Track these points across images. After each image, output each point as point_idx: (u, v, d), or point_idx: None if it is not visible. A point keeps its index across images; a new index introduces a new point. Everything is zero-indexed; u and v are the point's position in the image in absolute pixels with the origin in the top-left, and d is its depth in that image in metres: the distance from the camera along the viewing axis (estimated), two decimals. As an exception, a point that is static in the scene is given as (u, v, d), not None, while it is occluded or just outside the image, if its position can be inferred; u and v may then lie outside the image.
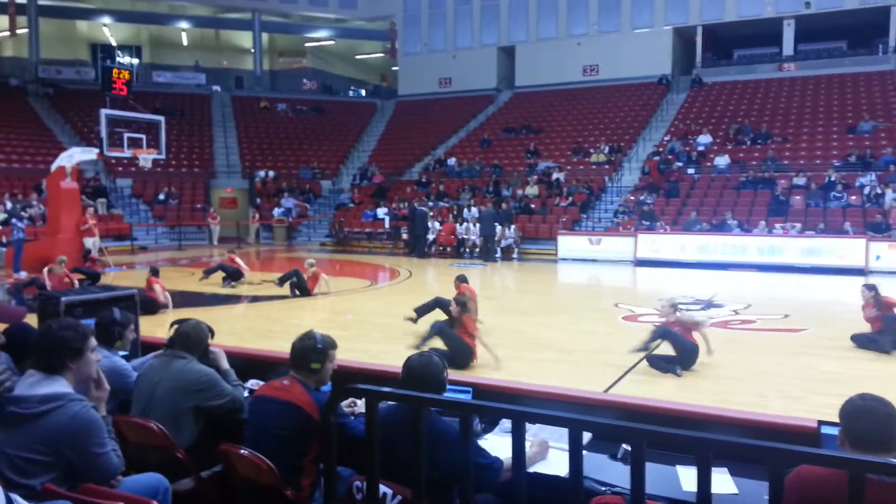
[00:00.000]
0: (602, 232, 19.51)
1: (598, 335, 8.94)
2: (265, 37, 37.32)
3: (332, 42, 39.20)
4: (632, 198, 20.87)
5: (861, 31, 26.56)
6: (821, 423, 2.93)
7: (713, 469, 2.44)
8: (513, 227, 19.90)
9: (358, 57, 40.91)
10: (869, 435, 2.14)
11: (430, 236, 20.56)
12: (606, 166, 23.54)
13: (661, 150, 23.38)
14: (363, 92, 38.83)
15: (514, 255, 19.31)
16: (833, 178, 18.81)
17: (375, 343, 8.20)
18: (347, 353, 7.17)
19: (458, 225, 20.74)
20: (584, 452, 2.78)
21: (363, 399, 2.35)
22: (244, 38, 37.51)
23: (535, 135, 27.32)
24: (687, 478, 2.70)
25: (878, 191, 17.83)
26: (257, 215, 25.36)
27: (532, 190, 22.66)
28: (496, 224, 19.14)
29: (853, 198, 18.13)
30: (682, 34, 29.15)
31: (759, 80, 26.90)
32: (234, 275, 13.40)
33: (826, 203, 18.21)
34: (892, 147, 20.00)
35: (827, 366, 7.33)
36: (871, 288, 8.39)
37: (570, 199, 21.61)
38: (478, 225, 19.76)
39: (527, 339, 8.64)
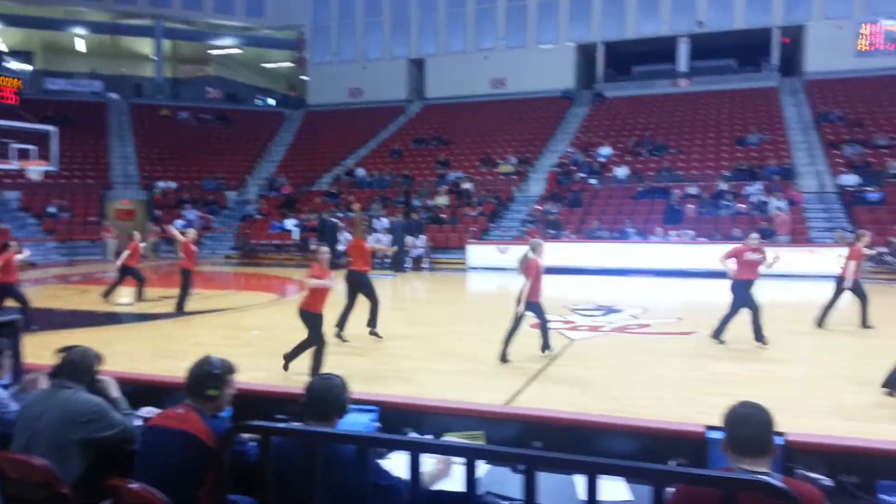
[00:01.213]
0: (510, 241, 19.91)
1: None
2: (167, 44, 36.01)
3: (238, 50, 38.26)
4: (538, 207, 21.43)
5: (748, 50, 28.43)
6: (708, 427, 3.09)
7: (610, 478, 2.55)
8: (423, 237, 20.01)
9: (265, 66, 40.10)
10: (748, 441, 2.26)
11: (341, 247, 20.34)
12: (514, 177, 24.08)
13: (565, 161, 24.14)
14: (271, 101, 38.08)
15: (425, 265, 19.41)
16: (723, 188, 19.97)
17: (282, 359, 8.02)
18: (253, 372, 7.03)
19: (368, 236, 20.62)
20: (489, 466, 2.85)
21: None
22: (145, 45, 36.05)
23: (444, 146, 27.61)
24: (582, 488, 2.79)
25: (764, 199, 19.07)
26: (156, 228, 24.35)
27: (442, 200, 22.87)
28: (406, 234, 19.19)
29: (741, 206, 19.30)
30: (584, 50, 30.26)
31: (655, 95, 28.28)
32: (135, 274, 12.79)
33: (717, 211, 19.30)
34: (776, 158, 21.45)
35: (718, 367, 7.75)
36: None
37: (480, 208, 21.95)
38: (389, 236, 19.74)
39: (438, 350, 8.70)
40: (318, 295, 7.16)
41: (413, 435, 3.13)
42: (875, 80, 25.03)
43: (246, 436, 3.03)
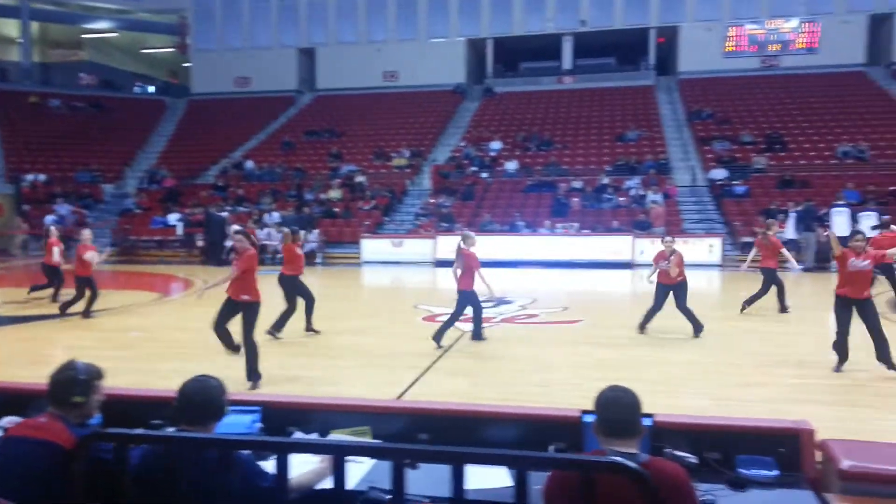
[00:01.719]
0: (404, 234, 19.97)
1: (399, 337, 9.13)
2: (35, 26, 33.38)
3: (114, 34, 35.97)
4: (431, 201, 21.59)
5: (627, 49, 29.85)
6: (583, 412, 3.24)
7: (493, 467, 2.62)
8: (316, 231, 19.69)
9: (144, 51, 37.95)
10: (617, 423, 2.37)
11: (229, 243, 19.67)
12: (408, 170, 24.13)
13: (457, 154, 24.45)
14: (151, 89, 36.15)
15: (318, 260, 19.12)
16: (605, 182, 20.89)
17: (165, 361, 7.68)
18: (131, 375, 6.69)
19: (257, 230, 20.05)
20: (375, 461, 2.85)
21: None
22: (10, 27, 33.21)
23: (337, 138, 27.26)
24: (470, 476, 2.84)
25: (642, 193, 20.11)
26: (25, 224, 22.60)
27: (335, 193, 22.58)
28: (298, 229, 18.80)
29: (622, 199, 20.28)
30: (474, 45, 30.72)
31: (542, 91, 29.15)
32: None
33: (599, 204, 20.18)
34: (652, 154, 22.66)
35: (600, 353, 8.11)
36: None
37: (373, 202, 21.85)
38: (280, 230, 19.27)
39: (333, 346, 8.61)
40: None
41: (298, 434, 3.09)
42: (741, 80, 26.95)
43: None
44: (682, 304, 8.90)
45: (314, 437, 3.14)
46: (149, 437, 2.21)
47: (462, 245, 8.51)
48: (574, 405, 3.35)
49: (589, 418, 3.20)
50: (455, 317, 8.47)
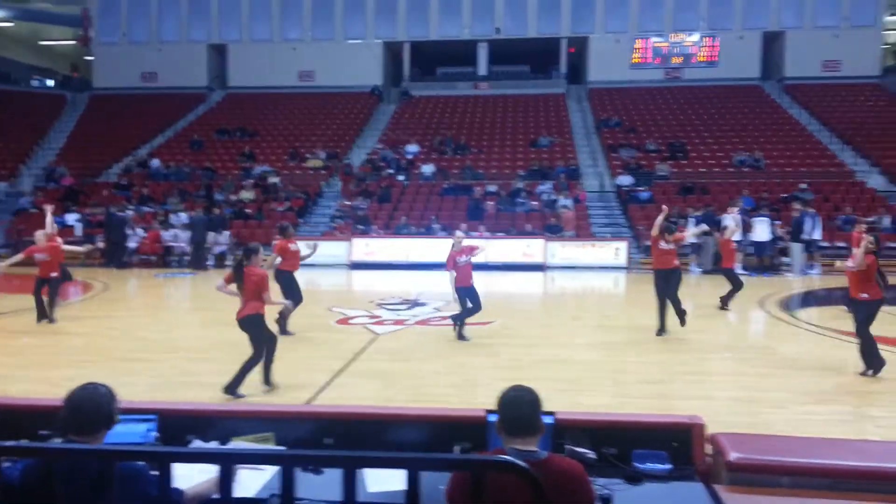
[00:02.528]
0: (319, 237, 19.68)
1: (310, 341, 9.00)
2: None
3: (9, 24, 33.66)
4: (347, 203, 21.40)
5: (540, 57, 30.56)
6: (488, 411, 3.29)
7: (393, 470, 2.62)
8: (227, 233, 19.14)
9: (42, 43, 35.76)
10: (518, 422, 2.43)
11: (132, 244, 18.86)
12: (323, 171, 23.83)
13: (374, 157, 24.35)
14: (50, 82, 34.13)
15: (229, 263, 18.55)
16: (519, 186, 21.31)
17: (59, 368, 7.28)
18: (22, 384, 6.31)
19: (163, 232, 19.31)
20: (277, 467, 2.80)
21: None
22: None
23: (250, 138, 26.59)
24: (372, 480, 2.85)
25: (554, 197, 20.63)
26: None
27: (247, 194, 22.01)
28: (208, 230, 18.24)
29: (535, 203, 20.73)
30: (391, 48, 30.67)
31: (458, 97, 29.44)
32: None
33: (514, 208, 20.56)
34: (563, 160, 23.29)
35: (512, 353, 8.27)
36: None
37: (288, 203, 21.44)
38: (188, 232, 18.62)
39: (239, 351, 8.36)
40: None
41: (197, 443, 3.00)
42: (646, 90, 28.10)
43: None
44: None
45: (213, 445, 3.06)
46: (23, 450, 2.08)
47: (453, 249, 9.26)
48: (485, 405, 3.40)
49: (493, 418, 3.27)
50: (468, 311, 8.96)
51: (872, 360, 7.00)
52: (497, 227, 19.40)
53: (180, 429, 3.04)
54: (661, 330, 9.17)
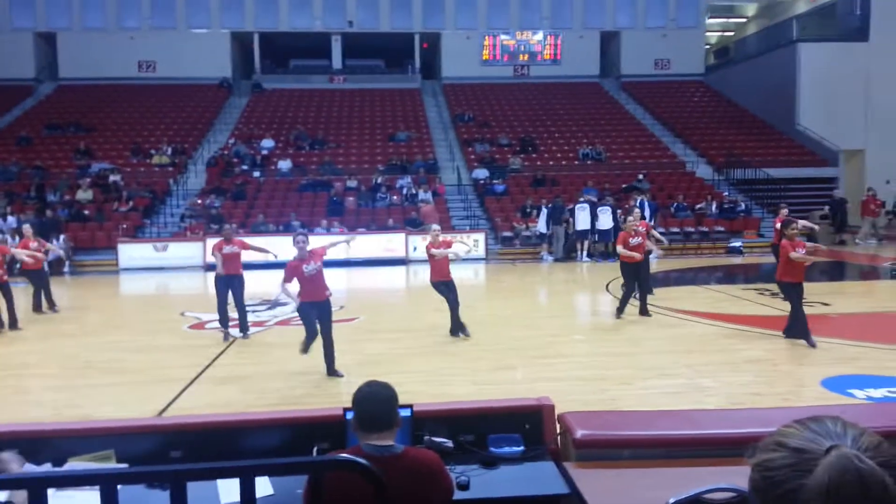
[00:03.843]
0: (168, 238, 18.65)
1: (161, 349, 8.51)
2: None
3: None
4: (199, 201, 20.39)
5: (395, 52, 30.65)
6: (345, 409, 3.28)
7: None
8: (62, 236, 17.62)
9: None
10: (372, 418, 2.44)
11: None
12: (170, 168, 22.53)
13: (226, 152, 23.36)
14: None
15: (65, 269, 17.11)
16: (379, 181, 21.32)
17: None
18: None
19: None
20: (121, 487, 2.63)
21: None
22: None
23: (86, 133, 24.59)
24: (225, 490, 2.75)
25: (413, 191, 20.84)
26: None
27: (85, 195, 20.35)
28: (40, 235, 16.66)
29: (395, 198, 20.83)
30: (240, 39, 29.50)
31: (313, 90, 28.89)
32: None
33: (374, 203, 20.55)
34: (421, 154, 23.57)
35: (376, 349, 8.29)
36: None
37: (131, 203, 20.08)
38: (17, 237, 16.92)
39: (78, 364, 7.77)
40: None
41: (27, 466, 2.75)
42: (497, 86, 29.03)
43: None
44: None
45: (46, 467, 2.83)
46: None
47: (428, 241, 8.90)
48: (347, 403, 3.39)
49: (351, 415, 3.27)
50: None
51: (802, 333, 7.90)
52: (358, 223, 19.30)
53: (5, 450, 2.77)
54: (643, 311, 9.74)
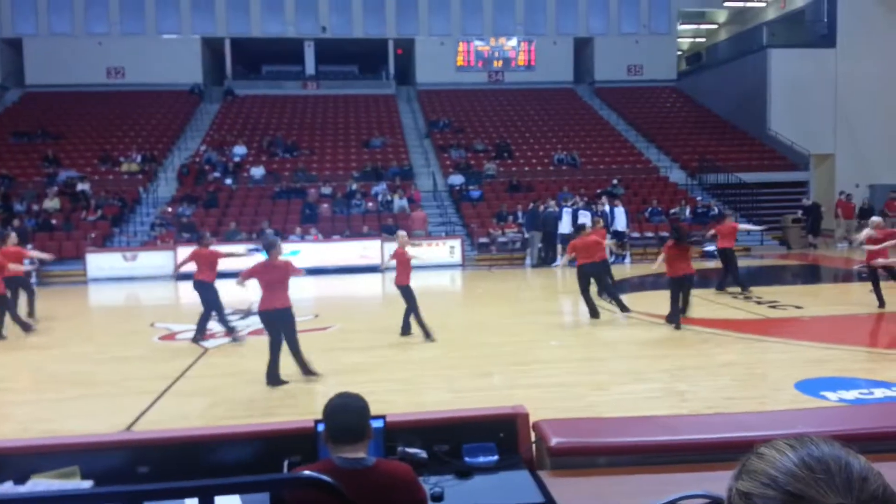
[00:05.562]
0: (138, 247, 18.35)
1: (130, 361, 8.33)
2: None
3: None
4: (169, 209, 20.10)
5: (369, 58, 30.58)
6: (317, 421, 3.21)
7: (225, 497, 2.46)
8: (29, 246, 17.21)
9: None
10: (343, 429, 2.38)
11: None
12: (140, 176, 22.19)
13: (197, 159, 23.07)
14: None
15: (33, 280, 16.71)
16: (354, 188, 21.20)
17: None
18: None
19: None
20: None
21: None
22: None
23: (53, 140, 24.14)
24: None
25: (389, 198, 20.75)
26: None
27: (52, 203, 19.96)
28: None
29: (370, 204, 20.72)
30: (211, 45, 29.22)
31: (286, 96, 28.69)
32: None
33: (349, 210, 20.42)
34: (396, 160, 23.50)
35: (351, 358, 8.19)
36: None
37: (100, 212, 19.73)
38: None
39: (45, 376, 7.58)
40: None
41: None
42: (472, 92, 29.08)
43: None
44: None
45: (8, 486, 2.72)
46: None
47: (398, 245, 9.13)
48: (320, 415, 3.31)
49: (322, 427, 3.19)
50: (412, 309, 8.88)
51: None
52: (333, 230, 19.16)
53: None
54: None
